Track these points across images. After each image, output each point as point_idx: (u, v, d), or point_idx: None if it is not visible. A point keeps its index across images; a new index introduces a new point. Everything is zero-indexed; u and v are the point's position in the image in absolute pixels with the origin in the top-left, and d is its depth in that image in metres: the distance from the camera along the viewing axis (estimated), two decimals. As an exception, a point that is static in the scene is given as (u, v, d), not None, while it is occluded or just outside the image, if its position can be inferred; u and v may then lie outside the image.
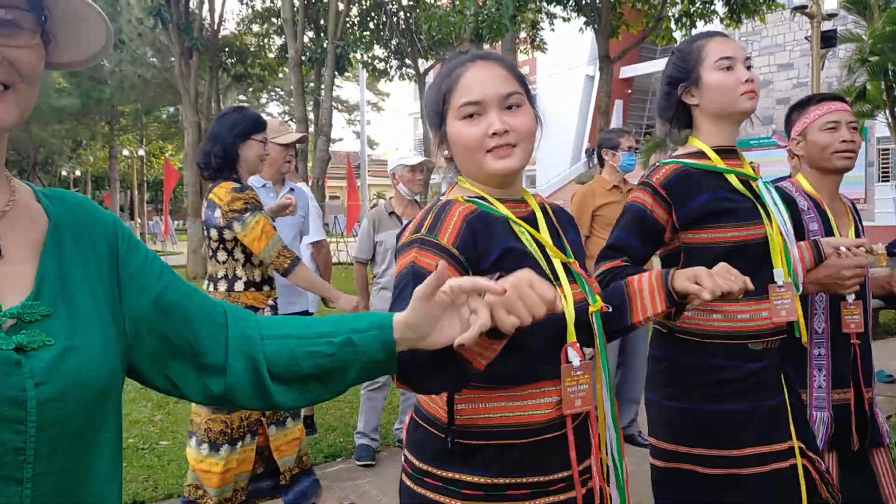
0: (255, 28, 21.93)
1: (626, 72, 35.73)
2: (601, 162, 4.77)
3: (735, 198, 2.03)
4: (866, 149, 24.34)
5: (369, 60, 20.60)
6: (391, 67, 20.73)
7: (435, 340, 1.10)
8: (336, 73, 15.41)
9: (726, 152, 2.10)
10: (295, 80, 14.68)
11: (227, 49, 21.56)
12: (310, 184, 15.39)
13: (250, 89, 30.32)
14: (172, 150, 39.50)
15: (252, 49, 21.89)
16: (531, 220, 1.56)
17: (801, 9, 10.26)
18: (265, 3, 20.36)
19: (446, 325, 1.10)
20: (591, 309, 1.52)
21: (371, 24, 19.06)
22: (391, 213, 4.44)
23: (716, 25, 16.73)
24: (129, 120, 31.53)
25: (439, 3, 16.50)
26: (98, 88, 26.02)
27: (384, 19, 18.08)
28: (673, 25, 15.64)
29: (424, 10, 13.69)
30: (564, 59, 32.26)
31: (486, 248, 1.45)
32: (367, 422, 4.44)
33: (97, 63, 1.19)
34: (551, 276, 1.48)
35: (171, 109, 30.42)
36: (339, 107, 50.02)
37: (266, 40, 21.75)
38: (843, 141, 2.37)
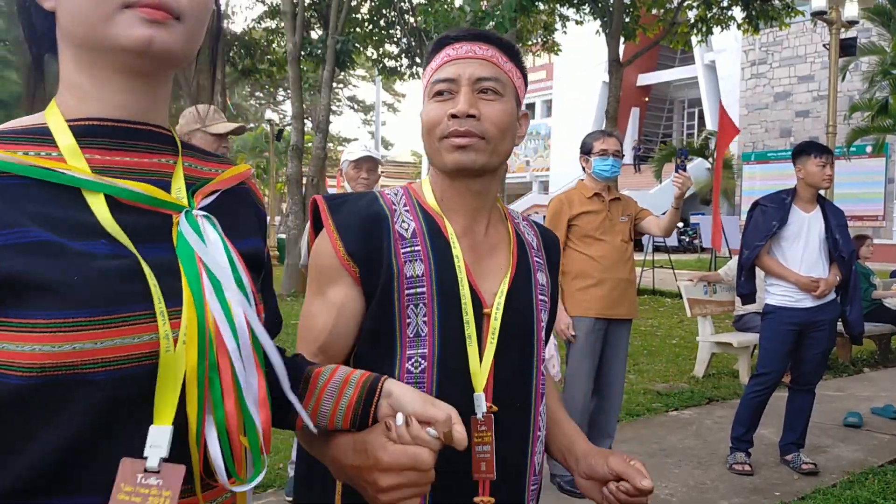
0: (268, 23, 21.61)
1: (644, 79, 35.22)
2: (584, 168, 4.32)
3: (74, 249, 0.78)
4: (886, 165, 23.70)
5: (379, 58, 20.19)
6: (401, 66, 20.30)
7: None
8: (338, 69, 15.02)
9: (131, 135, 0.88)
10: (292, 75, 14.32)
11: (235, 43, 21.28)
12: (304, 182, 15.05)
13: (266, 86, 30.20)
14: (182, 144, 39.32)
15: (262, 43, 21.57)
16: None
17: (819, 14, 9.72)
18: (274, -1, 20.02)
19: None
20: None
21: (382, 21, 18.66)
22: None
23: (733, 32, 16.23)
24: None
25: None
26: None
27: (393, 16, 17.66)
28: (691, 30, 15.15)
29: (431, 5, 13.26)
30: (582, 64, 31.81)
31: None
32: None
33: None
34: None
35: (182, 103, 30.22)
36: (355, 106, 49.90)
37: (275, 35, 21.43)
38: (454, 116, 1.23)
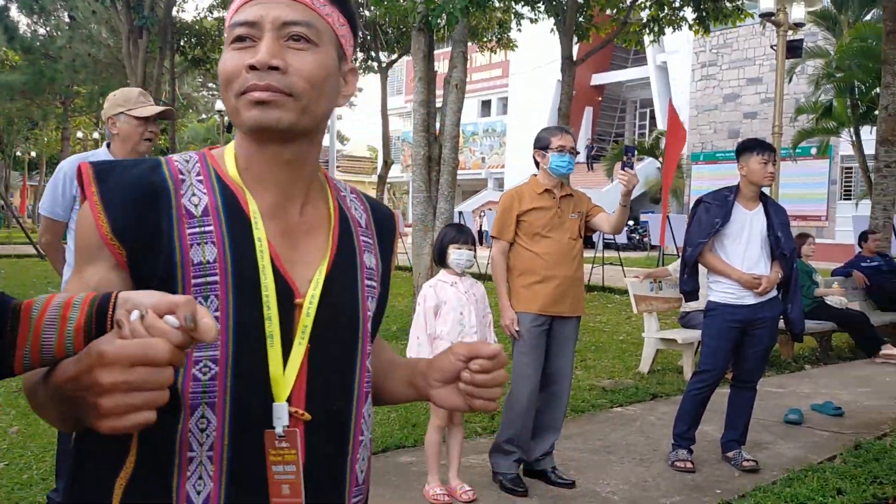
0: (219, 13, 21.24)
1: (598, 79, 35.53)
2: (537, 164, 4.26)
3: None
4: (830, 167, 24.30)
5: (332, 51, 20.01)
6: (356, 60, 20.16)
7: None
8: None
9: None
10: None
11: (186, 32, 20.87)
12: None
13: (217, 76, 29.67)
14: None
15: (213, 33, 21.19)
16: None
17: (767, 16, 9.89)
18: (226, -13, 19.66)
19: None
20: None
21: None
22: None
23: (685, 32, 16.42)
24: (84, 101, 30.48)
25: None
26: (51, 66, 25.06)
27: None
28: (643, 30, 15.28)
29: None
30: (537, 62, 31.93)
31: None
32: None
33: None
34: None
35: (129, 92, 29.45)
36: (310, 100, 49.35)
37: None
38: (253, 68, 1.02)
